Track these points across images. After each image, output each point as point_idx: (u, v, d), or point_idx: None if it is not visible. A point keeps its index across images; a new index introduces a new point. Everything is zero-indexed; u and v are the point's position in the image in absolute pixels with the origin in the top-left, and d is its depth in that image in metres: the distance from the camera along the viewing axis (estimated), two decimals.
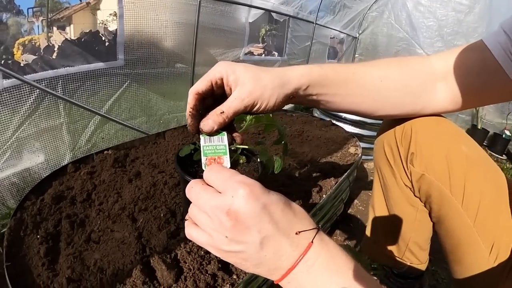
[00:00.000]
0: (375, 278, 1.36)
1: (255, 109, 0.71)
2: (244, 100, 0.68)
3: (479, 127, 4.05)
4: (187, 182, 0.87)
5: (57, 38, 1.76)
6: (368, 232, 1.29)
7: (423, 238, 1.14)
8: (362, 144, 2.07)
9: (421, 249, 1.17)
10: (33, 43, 1.64)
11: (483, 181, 0.91)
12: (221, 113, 0.68)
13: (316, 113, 3.18)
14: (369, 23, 4.86)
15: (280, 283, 0.53)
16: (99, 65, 1.88)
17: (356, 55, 5.14)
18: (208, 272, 0.95)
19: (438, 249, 1.17)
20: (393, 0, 4.52)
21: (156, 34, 2.11)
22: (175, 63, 2.30)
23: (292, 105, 3.95)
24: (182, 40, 2.28)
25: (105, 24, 1.93)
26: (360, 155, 1.85)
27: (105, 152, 1.63)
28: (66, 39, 1.77)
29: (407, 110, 0.93)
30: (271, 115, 0.95)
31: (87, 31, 1.87)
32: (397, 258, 1.20)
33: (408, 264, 1.19)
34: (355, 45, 5.04)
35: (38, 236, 1.08)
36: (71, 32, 1.81)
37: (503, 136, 3.83)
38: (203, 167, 0.67)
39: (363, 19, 4.82)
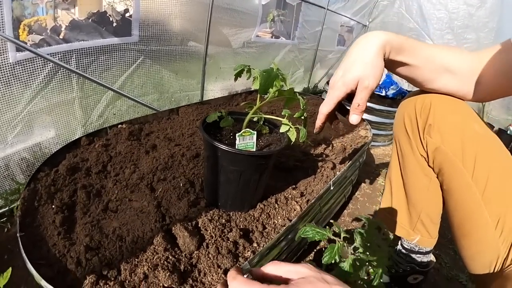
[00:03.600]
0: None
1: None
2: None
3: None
4: (214, 147, 0.90)
5: (64, 18, 1.75)
6: (383, 203, 1.35)
7: (434, 211, 1.19)
8: None
9: (432, 222, 1.22)
10: (39, 24, 1.64)
11: (492, 159, 0.98)
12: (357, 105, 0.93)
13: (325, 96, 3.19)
14: (380, 11, 4.80)
15: None
16: (114, 40, 1.87)
17: None
18: (230, 240, 0.97)
19: (442, 234, 1.25)
20: None
21: (171, 12, 2.10)
22: (188, 41, 2.30)
23: (303, 88, 3.98)
24: (197, 19, 2.27)
25: (112, 5, 1.91)
26: (370, 138, 1.88)
27: (119, 126, 1.65)
28: (73, 19, 1.76)
29: (452, 91, 1.03)
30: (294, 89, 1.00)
31: (95, 11, 1.86)
32: (409, 229, 1.26)
33: (419, 236, 1.24)
34: (364, 33, 5.02)
35: (53, 206, 1.10)
36: (77, 13, 1.79)
37: (508, 132, 3.82)
38: None
39: (374, 7, 4.76)
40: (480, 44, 3.97)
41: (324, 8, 3.67)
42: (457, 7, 4.16)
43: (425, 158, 1.10)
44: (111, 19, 1.91)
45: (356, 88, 0.93)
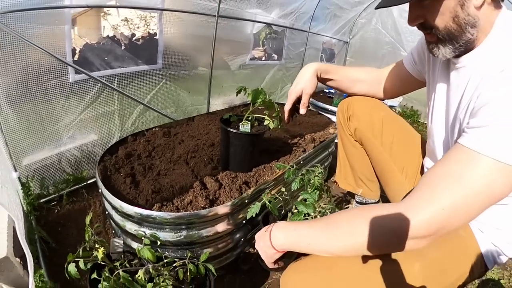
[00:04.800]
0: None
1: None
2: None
3: None
4: (228, 131, 1.57)
5: (78, 41, 2.01)
6: (337, 170, 1.93)
7: (366, 170, 1.74)
8: None
9: (368, 179, 1.77)
10: None
11: (393, 130, 1.55)
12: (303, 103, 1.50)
13: None
14: (359, 28, 5.26)
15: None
16: (145, 67, 2.50)
17: (348, 58, 5.55)
18: (237, 185, 1.64)
19: None
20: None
21: (185, 44, 2.73)
22: (198, 66, 2.92)
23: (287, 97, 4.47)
24: (203, 49, 2.88)
25: (116, 28, 2.21)
26: (336, 133, 2.49)
27: (153, 129, 2.27)
28: (86, 42, 2.05)
29: (364, 93, 1.63)
30: (272, 100, 1.66)
31: (105, 36, 2.18)
32: (354, 185, 1.82)
33: (361, 189, 1.79)
34: (346, 49, 5.46)
35: (122, 174, 1.67)
36: (76, 32, 2.00)
37: None
38: None
39: (353, 25, 5.22)
40: None
41: (306, 32, 4.19)
42: None
43: (351, 135, 1.68)
44: (120, 42, 2.27)
45: (301, 94, 1.50)
